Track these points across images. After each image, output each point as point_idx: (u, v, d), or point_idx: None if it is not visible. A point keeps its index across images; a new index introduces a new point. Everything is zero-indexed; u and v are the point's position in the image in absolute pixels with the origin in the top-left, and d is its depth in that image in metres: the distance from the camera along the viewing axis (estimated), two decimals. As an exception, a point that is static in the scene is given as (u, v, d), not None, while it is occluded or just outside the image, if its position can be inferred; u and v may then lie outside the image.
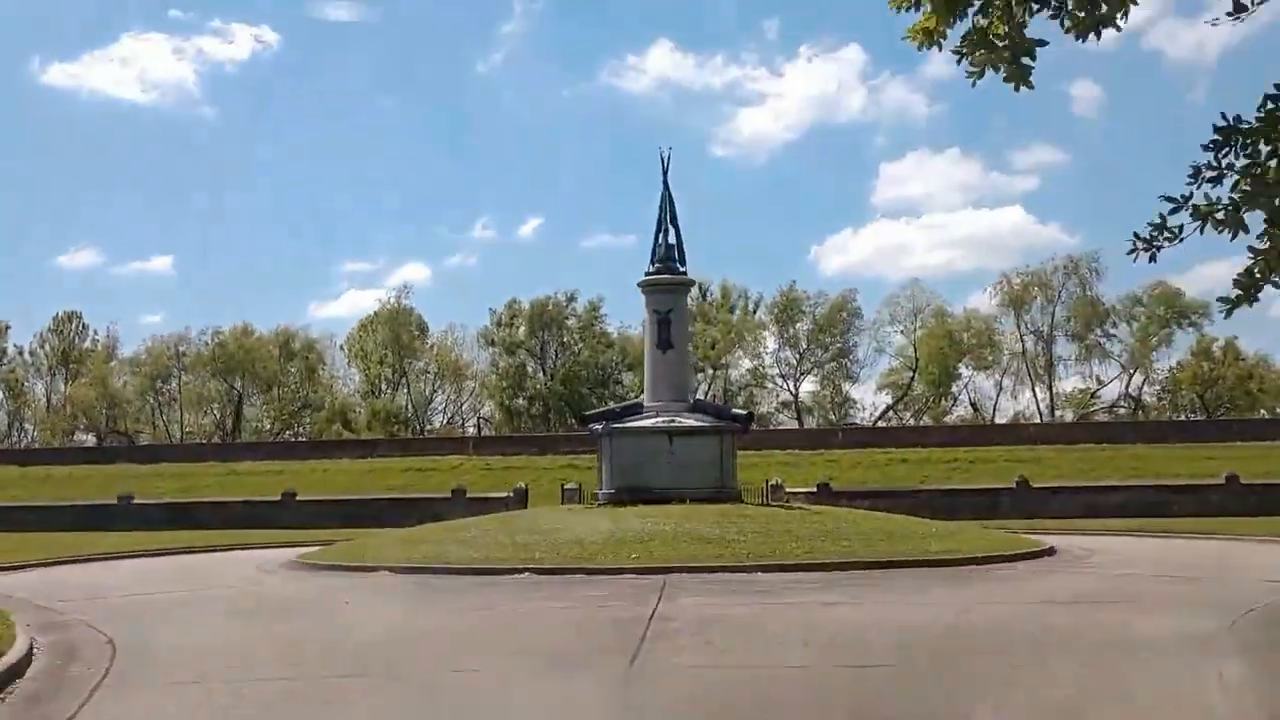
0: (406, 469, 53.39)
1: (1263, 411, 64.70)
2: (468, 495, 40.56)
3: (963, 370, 76.71)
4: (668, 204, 27.29)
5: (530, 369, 75.36)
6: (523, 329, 74.81)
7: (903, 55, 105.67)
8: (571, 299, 76.40)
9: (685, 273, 27.49)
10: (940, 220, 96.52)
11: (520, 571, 18.58)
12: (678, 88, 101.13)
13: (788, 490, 40.87)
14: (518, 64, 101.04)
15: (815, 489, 40.88)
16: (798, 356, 79.84)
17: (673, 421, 25.54)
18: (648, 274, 27.08)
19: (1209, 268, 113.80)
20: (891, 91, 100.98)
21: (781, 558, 18.87)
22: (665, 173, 27.55)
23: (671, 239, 27.22)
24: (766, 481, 40.41)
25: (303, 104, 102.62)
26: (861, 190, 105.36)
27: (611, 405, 36.85)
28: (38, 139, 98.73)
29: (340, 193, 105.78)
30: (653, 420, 25.74)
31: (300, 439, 73.63)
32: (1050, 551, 22.91)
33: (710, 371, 77.83)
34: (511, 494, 39.64)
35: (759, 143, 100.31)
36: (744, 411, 27.51)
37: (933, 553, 20.29)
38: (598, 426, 26.45)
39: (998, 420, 72.40)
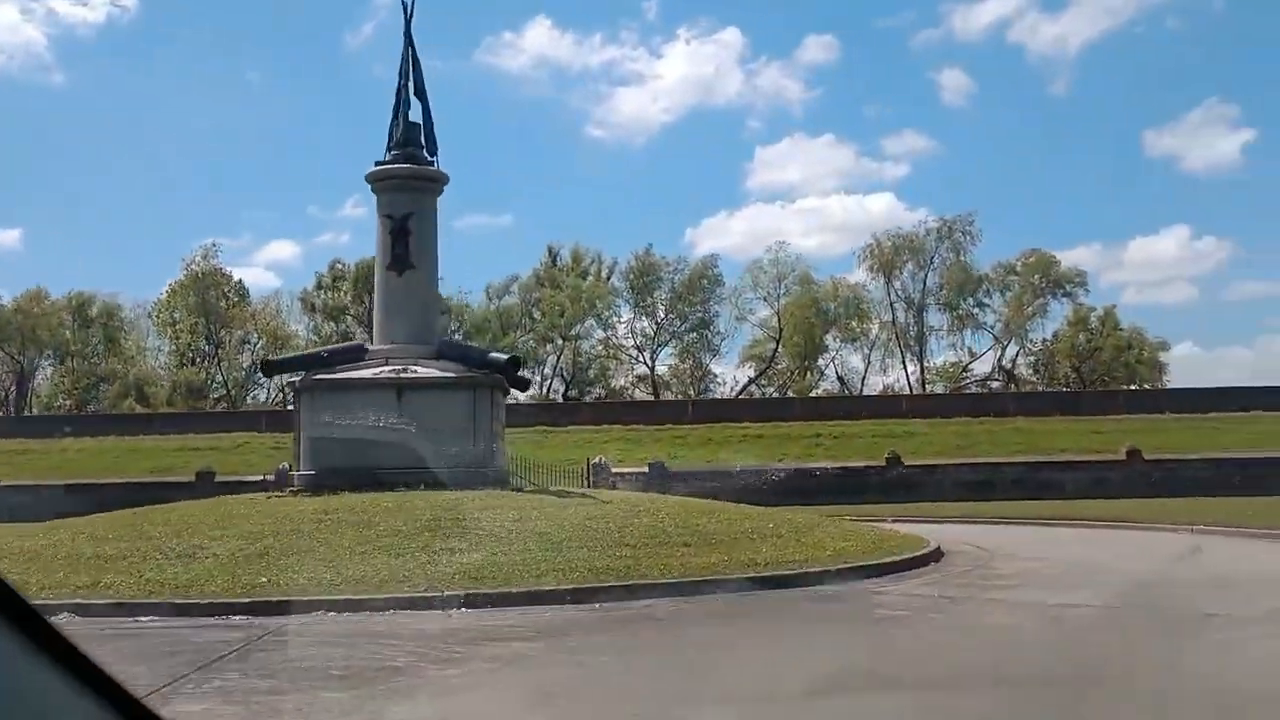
0: (181, 448, 44.15)
1: (1146, 385, 59.14)
2: (216, 479, 31.89)
3: (830, 343, 70.05)
4: (411, 68, 18.98)
5: (359, 336, 66.00)
6: (349, 293, 65.42)
7: (780, 40, 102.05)
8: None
9: (434, 163, 19.17)
10: (814, 205, 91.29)
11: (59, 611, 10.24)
12: (555, 66, 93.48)
13: (615, 470, 33.04)
14: (390, 36, 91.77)
15: (647, 469, 33.07)
16: (655, 327, 72.17)
17: (405, 371, 17.30)
18: (379, 164, 18.75)
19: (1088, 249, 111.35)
20: (769, 76, 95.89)
21: (485, 581, 10.93)
22: (408, 24, 19.22)
23: (417, 116, 18.96)
24: (589, 460, 32.57)
25: (162, 73, 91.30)
26: (737, 174, 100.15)
27: (319, 350, 28.00)
28: None
29: (202, 167, 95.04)
30: (375, 370, 17.47)
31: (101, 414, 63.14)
32: (936, 556, 15.52)
33: (559, 342, 69.61)
34: (274, 475, 30.98)
35: (637, 124, 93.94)
36: (505, 355, 19.07)
37: (758, 564, 12.58)
38: (294, 379, 18.05)
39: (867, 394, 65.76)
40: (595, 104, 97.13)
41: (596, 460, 31.98)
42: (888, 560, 14.10)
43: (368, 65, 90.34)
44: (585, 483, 31.53)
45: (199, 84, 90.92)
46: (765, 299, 68.91)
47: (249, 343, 70.57)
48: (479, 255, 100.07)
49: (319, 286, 66.10)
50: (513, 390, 19.18)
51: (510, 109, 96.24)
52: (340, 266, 65.79)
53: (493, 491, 15.88)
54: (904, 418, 45.62)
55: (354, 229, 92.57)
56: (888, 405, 49.06)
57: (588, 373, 70.87)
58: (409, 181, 18.52)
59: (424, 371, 17.30)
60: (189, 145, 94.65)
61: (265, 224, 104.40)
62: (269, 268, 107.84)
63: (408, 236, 18.19)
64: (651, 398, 67.35)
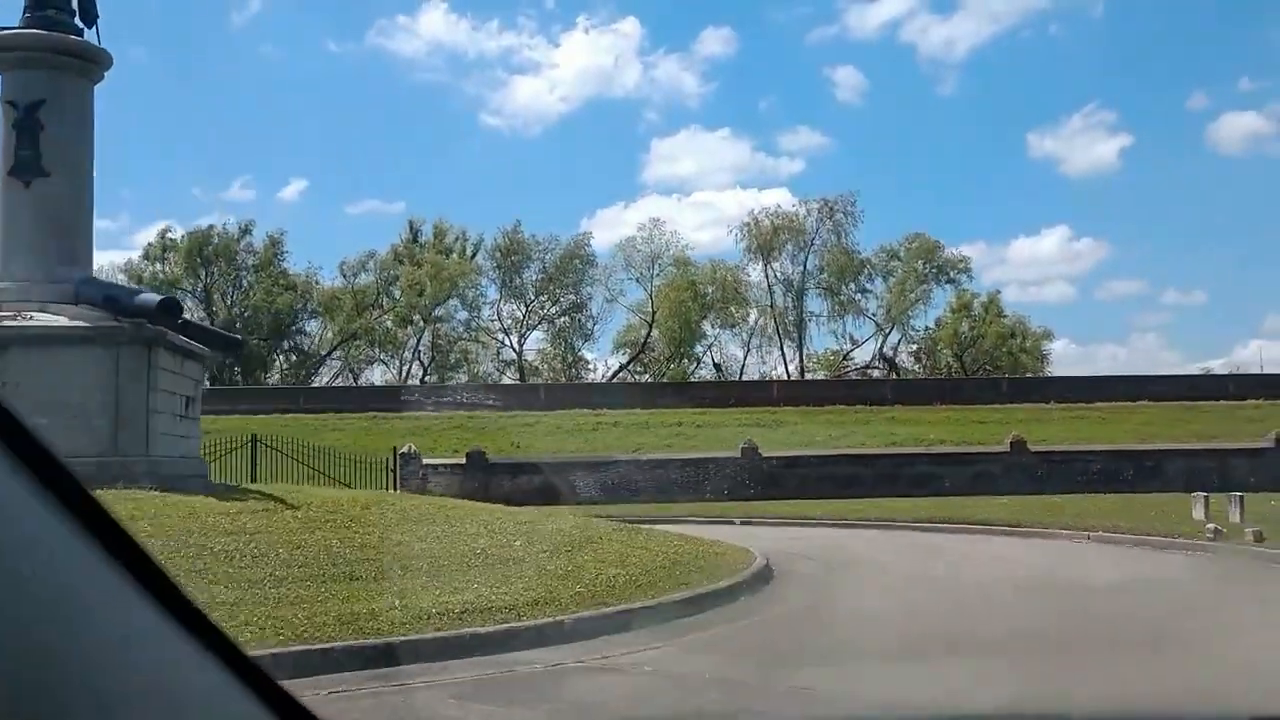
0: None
1: (1028, 374, 55.79)
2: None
3: (708, 329, 65.65)
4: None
5: (189, 313, 59.56)
6: (179, 265, 58.72)
7: (679, 32, 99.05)
8: (246, 231, 60.76)
9: (88, 35, 13.68)
10: (709, 198, 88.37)
11: None
12: (450, 52, 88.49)
13: (427, 462, 27.83)
14: (277, 15, 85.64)
15: (465, 460, 27.91)
16: (524, 310, 66.90)
17: (13, 319, 11.85)
18: (3, 29, 13.21)
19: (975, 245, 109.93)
20: (666, 68, 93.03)
21: None
22: None
23: (67, -29, 13.45)
24: (395, 449, 27.32)
25: None
26: (634, 165, 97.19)
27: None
28: None
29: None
30: (-29, 313, 11.98)
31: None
32: (757, 583, 10.82)
33: (419, 323, 63.82)
34: None
35: (533, 113, 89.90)
36: (157, 297, 13.46)
37: (383, 621, 7.56)
38: None
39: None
40: (491, 91, 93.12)
41: (405, 449, 26.69)
42: (673, 597, 9.26)
43: (254, 44, 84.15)
44: (392, 477, 26.34)
45: None
46: (638, 280, 64.12)
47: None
48: (370, 243, 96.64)
49: (146, 257, 59.26)
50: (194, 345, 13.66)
51: (404, 94, 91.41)
52: (171, 237, 59.06)
53: (129, 490, 10.56)
54: (774, 405, 41.29)
55: (239, 213, 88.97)
56: (757, 392, 44.66)
57: (449, 356, 65.21)
58: (40, 55, 12.98)
59: (41, 320, 11.88)
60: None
61: (148, 206, 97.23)
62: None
63: (37, 131, 12.68)
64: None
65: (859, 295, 63.41)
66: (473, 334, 65.19)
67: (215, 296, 60.33)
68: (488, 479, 26.28)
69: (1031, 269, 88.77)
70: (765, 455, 28.15)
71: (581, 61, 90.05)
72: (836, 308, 62.96)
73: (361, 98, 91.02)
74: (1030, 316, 63.98)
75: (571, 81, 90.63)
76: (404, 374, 64.61)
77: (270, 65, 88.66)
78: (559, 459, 29.36)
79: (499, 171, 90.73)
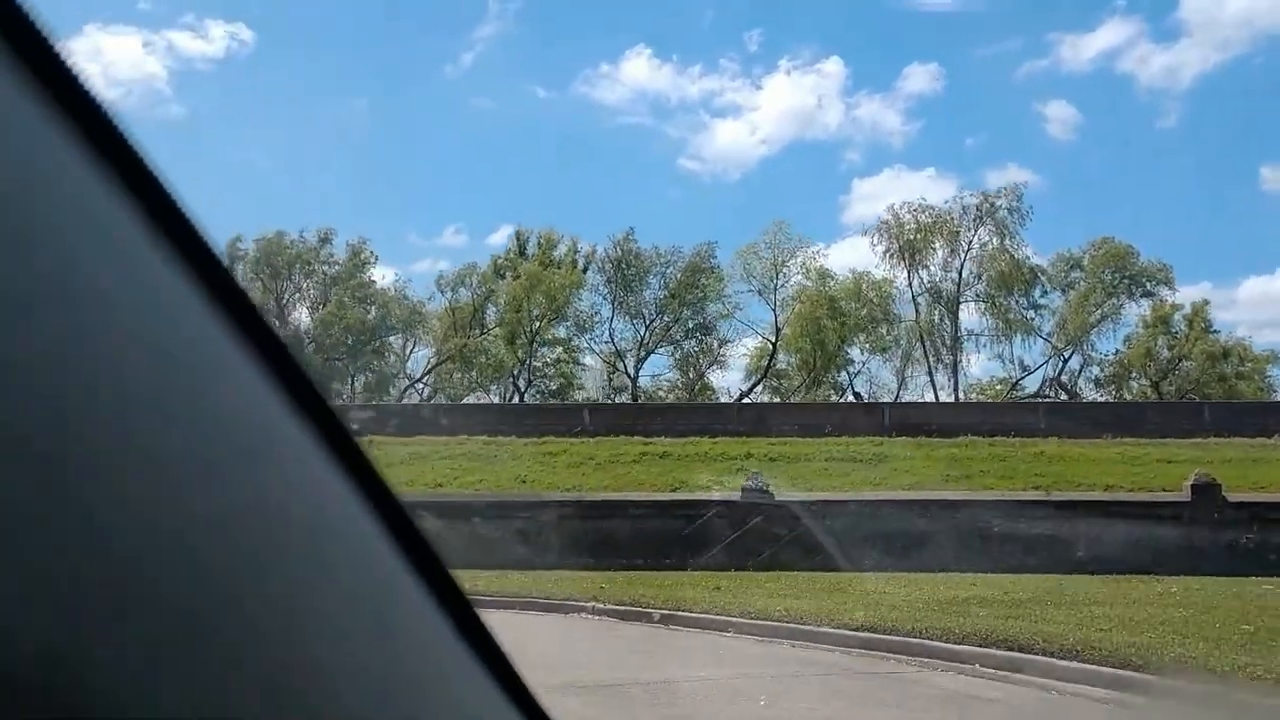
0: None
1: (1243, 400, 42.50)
2: None
3: (854, 354, 54.97)
4: None
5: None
6: (247, 274, 52.69)
7: (882, 71, 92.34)
8: (326, 240, 54.30)
9: None
10: None
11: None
12: (654, 98, 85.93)
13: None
14: (488, 67, 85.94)
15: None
16: (642, 329, 57.86)
17: None
18: None
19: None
20: (869, 106, 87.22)
21: None
22: None
23: None
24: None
25: (275, 103, 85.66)
26: (834, 207, 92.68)
27: None
28: None
29: (307, 197, 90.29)
30: None
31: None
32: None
33: (525, 342, 55.53)
34: None
35: (733, 157, 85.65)
36: None
37: None
38: None
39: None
40: (693, 134, 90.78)
41: None
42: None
43: (466, 96, 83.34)
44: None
45: (306, 111, 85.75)
46: (760, 293, 54.06)
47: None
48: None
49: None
50: None
51: (606, 140, 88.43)
52: (239, 245, 53.07)
53: None
54: (882, 434, 30.70)
55: (452, 258, 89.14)
56: (864, 417, 33.99)
57: (548, 382, 56.85)
58: None
59: None
60: (294, 174, 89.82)
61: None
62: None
63: None
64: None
65: (1030, 311, 51.48)
66: (571, 355, 56.58)
67: (292, 309, 54.01)
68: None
69: (1267, 309, 77.14)
70: (780, 500, 17.95)
71: (783, 103, 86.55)
72: (1000, 325, 51.16)
73: (565, 144, 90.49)
74: (1251, 339, 50.49)
75: (773, 123, 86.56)
76: (508, 398, 56.66)
77: (478, 114, 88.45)
78: (525, 496, 19.97)
79: (698, 214, 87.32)
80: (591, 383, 57.97)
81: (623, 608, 12.66)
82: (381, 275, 56.26)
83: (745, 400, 53.65)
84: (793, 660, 9.72)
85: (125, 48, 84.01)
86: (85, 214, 0.51)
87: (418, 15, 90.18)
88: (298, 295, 54.14)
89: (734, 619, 11.53)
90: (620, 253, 56.71)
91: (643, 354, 58.10)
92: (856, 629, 10.50)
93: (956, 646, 9.55)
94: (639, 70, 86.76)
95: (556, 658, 8.63)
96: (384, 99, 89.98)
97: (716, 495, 19.03)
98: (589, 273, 57.76)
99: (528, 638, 9.27)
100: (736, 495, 18.29)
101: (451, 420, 33.15)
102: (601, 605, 12.73)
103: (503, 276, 56.77)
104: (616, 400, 57.82)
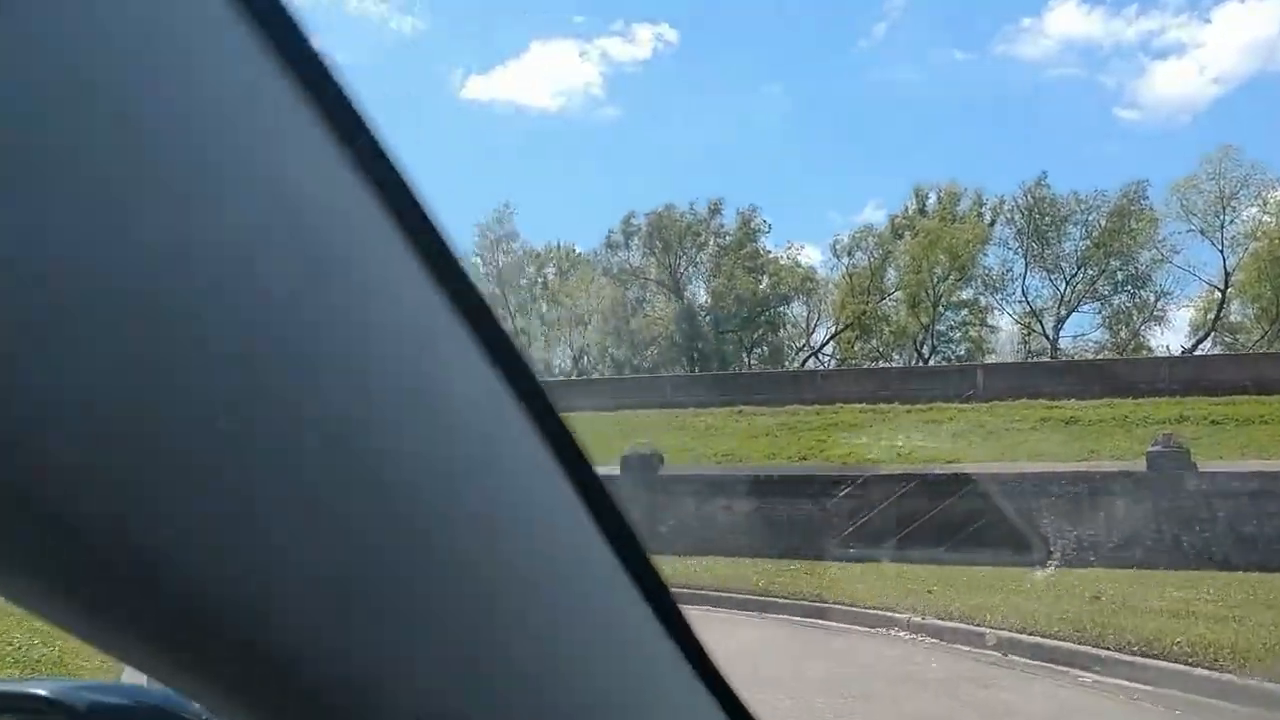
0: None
1: None
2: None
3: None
4: None
5: (647, 303, 53.22)
6: (640, 249, 52.79)
7: None
8: (716, 211, 53.02)
9: None
10: None
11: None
12: (1084, 46, 79.20)
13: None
14: (902, 36, 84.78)
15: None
16: (1063, 284, 51.45)
17: None
18: None
19: None
20: None
21: None
22: None
23: None
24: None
25: (698, 97, 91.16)
26: None
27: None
28: (460, 152, 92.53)
29: (733, 182, 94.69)
30: None
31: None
32: None
33: (925, 305, 51.08)
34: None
35: (1178, 101, 76.26)
36: None
37: None
38: None
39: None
40: (1130, 80, 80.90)
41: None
42: None
43: (882, 67, 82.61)
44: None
45: (726, 102, 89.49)
46: (1202, 232, 45.92)
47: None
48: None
49: (609, 245, 53.76)
50: None
51: (1029, 97, 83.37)
52: (635, 223, 53.14)
53: None
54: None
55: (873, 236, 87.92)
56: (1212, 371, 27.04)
57: (952, 346, 51.99)
58: None
59: None
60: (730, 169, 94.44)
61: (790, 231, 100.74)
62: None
63: None
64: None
65: None
66: (975, 316, 51.39)
67: (688, 282, 53.38)
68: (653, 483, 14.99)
69: None
70: (1205, 470, 13.34)
71: (1239, 35, 75.65)
72: None
73: (987, 106, 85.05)
74: None
75: (1227, 59, 77.04)
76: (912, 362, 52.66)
77: (891, 85, 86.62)
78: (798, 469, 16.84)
79: (1139, 168, 78.20)
80: (1003, 346, 52.42)
81: (947, 624, 9.18)
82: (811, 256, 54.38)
83: (1182, 354, 45.91)
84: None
85: (564, 58, 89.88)
86: (334, 207, 0.51)
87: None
88: (692, 269, 53.37)
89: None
90: (1031, 201, 50.76)
91: (1063, 312, 51.64)
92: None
93: None
94: (1065, 19, 78.22)
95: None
96: (798, 81, 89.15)
97: (1111, 466, 14.72)
98: (996, 226, 52.25)
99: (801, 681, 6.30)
100: (1141, 464, 13.94)
101: (829, 387, 30.30)
102: (918, 619, 9.33)
103: (900, 236, 52.65)
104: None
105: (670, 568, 13.60)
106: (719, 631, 8.85)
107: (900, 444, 23.16)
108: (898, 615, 9.49)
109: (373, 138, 0.52)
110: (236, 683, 0.49)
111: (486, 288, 56.63)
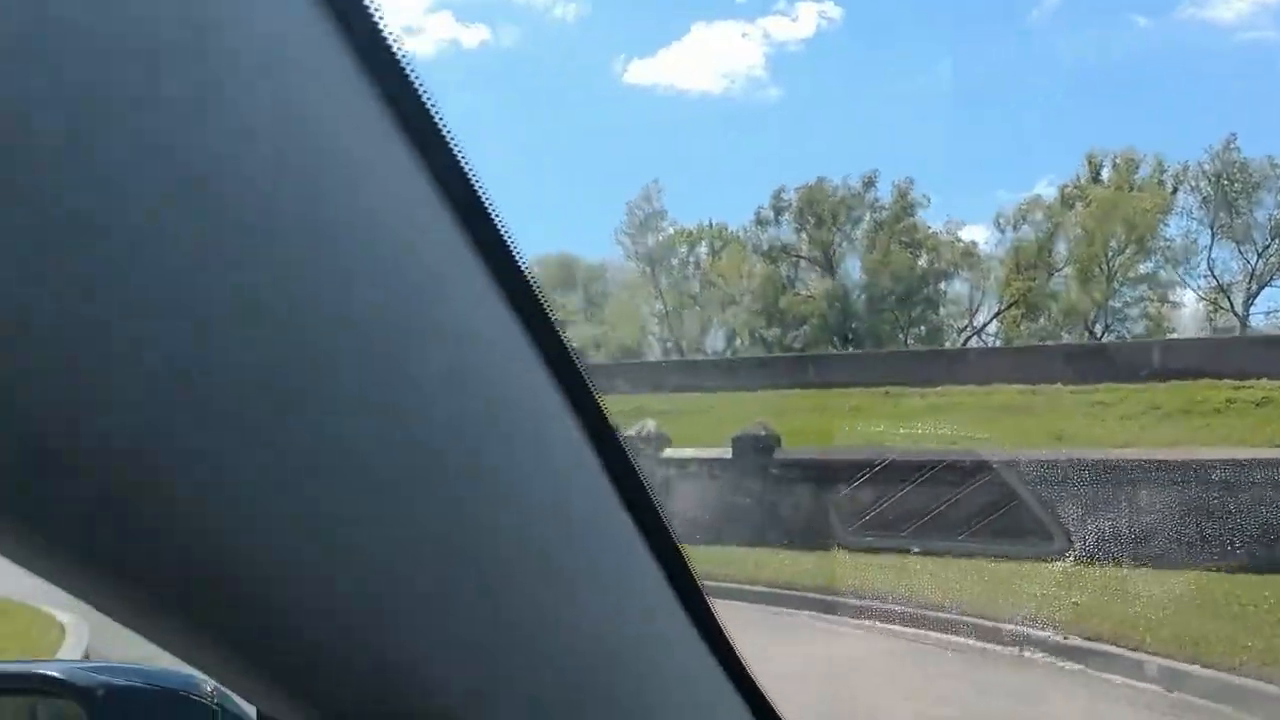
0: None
1: None
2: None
3: None
4: None
5: (799, 280, 51.22)
6: (791, 225, 50.88)
7: None
8: (870, 184, 50.61)
9: None
10: None
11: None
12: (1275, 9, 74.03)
13: (670, 453, 15.87)
14: (1081, 3, 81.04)
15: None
16: (1254, 257, 47.17)
17: None
18: None
19: None
20: None
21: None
22: None
23: None
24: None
25: (862, 75, 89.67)
26: None
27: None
28: (621, 137, 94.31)
29: (892, 161, 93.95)
30: None
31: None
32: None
33: (1100, 280, 47.54)
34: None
35: None
36: None
37: None
38: None
39: None
40: None
41: (644, 429, 14.92)
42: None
43: (1053, 37, 79.64)
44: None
45: (892, 77, 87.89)
46: None
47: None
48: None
49: (759, 222, 52.08)
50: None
51: (1219, 59, 77.52)
52: (786, 198, 51.28)
53: None
54: None
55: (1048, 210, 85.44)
56: None
57: (1129, 324, 48.29)
58: None
59: None
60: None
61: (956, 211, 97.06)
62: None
63: None
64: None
65: None
66: (1157, 292, 47.60)
67: (841, 259, 51.27)
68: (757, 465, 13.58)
69: None
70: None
71: None
72: None
73: (1176, 77, 79.33)
74: None
75: None
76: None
77: (1066, 56, 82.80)
78: (875, 451, 14.99)
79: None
80: (1187, 324, 48.32)
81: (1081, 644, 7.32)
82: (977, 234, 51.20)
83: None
84: None
85: (727, 39, 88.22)
86: (401, 205, 0.52)
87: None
88: (846, 244, 51.20)
89: None
90: (1220, 166, 46.61)
91: (1254, 287, 47.17)
92: None
93: None
94: (1258, -27, 71.93)
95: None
96: (967, 56, 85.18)
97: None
98: (1179, 195, 48.21)
99: None
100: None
101: (989, 367, 28.16)
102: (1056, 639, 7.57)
103: (1071, 207, 49.14)
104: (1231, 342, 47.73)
105: (776, 561, 12.28)
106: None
107: (1062, 429, 21.09)
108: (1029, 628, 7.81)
109: (433, 124, 0.51)
110: (265, 664, 0.48)
111: (635, 266, 56.00)
